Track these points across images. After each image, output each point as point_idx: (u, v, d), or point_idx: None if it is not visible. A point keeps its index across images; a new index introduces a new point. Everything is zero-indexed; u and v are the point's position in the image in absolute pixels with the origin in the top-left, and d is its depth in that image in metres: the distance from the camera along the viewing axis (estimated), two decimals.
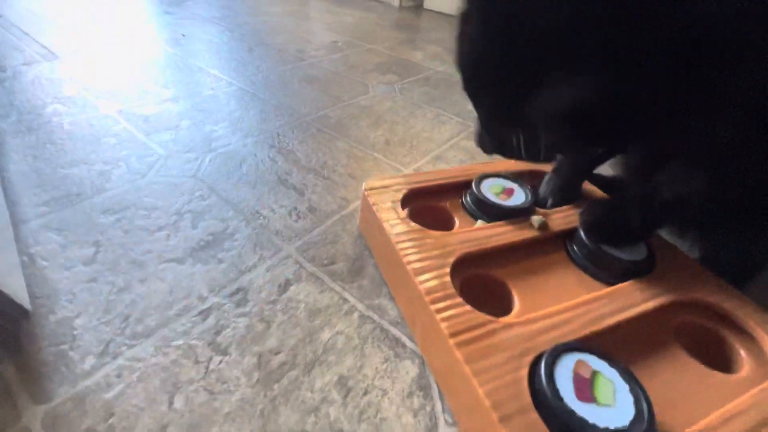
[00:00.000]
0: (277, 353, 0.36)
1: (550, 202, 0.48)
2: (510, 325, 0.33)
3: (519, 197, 0.46)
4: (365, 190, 0.46)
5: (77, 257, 0.43)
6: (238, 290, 0.42)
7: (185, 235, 0.47)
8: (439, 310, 0.34)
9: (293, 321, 0.39)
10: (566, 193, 0.48)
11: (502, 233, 0.42)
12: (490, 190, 0.47)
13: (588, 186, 0.51)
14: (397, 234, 0.41)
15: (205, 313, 0.39)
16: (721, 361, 0.36)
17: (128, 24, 1.11)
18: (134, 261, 0.43)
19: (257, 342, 0.37)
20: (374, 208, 0.44)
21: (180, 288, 0.41)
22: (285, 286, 0.42)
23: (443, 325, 0.33)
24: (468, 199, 0.48)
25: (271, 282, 0.43)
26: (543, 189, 0.49)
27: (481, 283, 0.40)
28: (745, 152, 0.33)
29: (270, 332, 0.38)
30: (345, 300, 0.42)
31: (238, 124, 0.70)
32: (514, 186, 0.48)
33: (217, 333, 0.37)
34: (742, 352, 0.35)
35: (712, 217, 0.42)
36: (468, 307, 0.34)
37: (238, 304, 0.40)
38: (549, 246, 0.43)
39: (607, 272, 0.40)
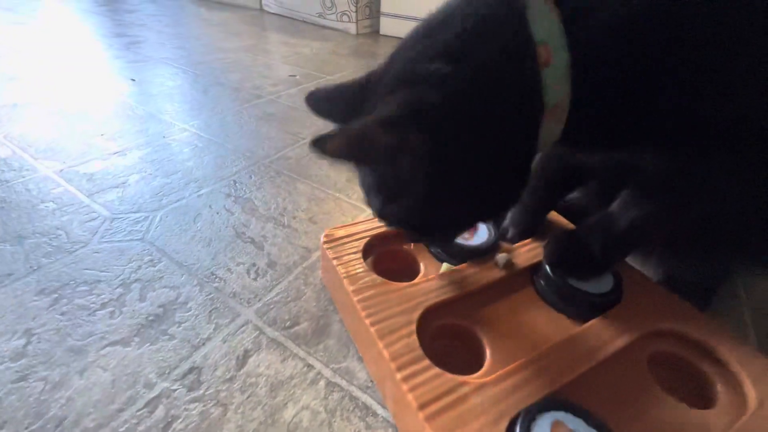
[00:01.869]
0: None
1: (511, 232, 0.47)
2: (482, 386, 0.31)
3: (482, 234, 0.45)
4: (323, 243, 0.44)
5: (4, 352, 0.38)
6: (190, 370, 0.38)
7: (132, 310, 0.43)
8: (406, 378, 0.31)
9: (253, 400, 0.36)
10: (529, 224, 0.47)
11: (467, 277, 0.41)
12: None
13: (555, 216, 0.50)
14: (359, 290, 0.39)
15: (153, 404, 0.35)
16: (696, 391, 0.35)
17: (73, 71, 1.06)
18: (72, 348, 0.39)
19: None
20: (333, 262, 0.42)
21: (124, 375, 0.37)
22: (243, 358, 0.39)
23: (411, 396, 0.30)
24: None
25: (227, 355, 0.39)
26: (506, 221, 0.48)
27: (451, 333, 0.38)
28: (684, 179, 0.34)
29: (227, 417, 0.34)
30: (310, 367, 0.39)
31: (191, 174, 0.67)
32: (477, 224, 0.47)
33: (167, 426, 0.34)
34: (717, 382, 0.34)
35: (669, 239, 0.42)
36: (436, 370, 0.32)
37: (191, 388, 0.36)
38: (516, 284, 0.42)
39: (576, 307, 0.39)
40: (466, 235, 0.45)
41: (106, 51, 1.25)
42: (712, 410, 0.32)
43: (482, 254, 0.43)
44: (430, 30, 0.31)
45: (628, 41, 0.27)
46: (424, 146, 0.28)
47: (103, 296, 0.45)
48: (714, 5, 0.26)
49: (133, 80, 1.03)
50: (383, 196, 0.33)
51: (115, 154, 0.71)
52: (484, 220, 0.39)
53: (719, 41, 0.27)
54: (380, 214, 0.34)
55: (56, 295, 0.44)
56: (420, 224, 0.34)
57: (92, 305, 0.44)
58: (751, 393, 0.32)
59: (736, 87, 0.28)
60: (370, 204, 0.35)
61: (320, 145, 0.26)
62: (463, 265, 0.42)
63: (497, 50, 0.28)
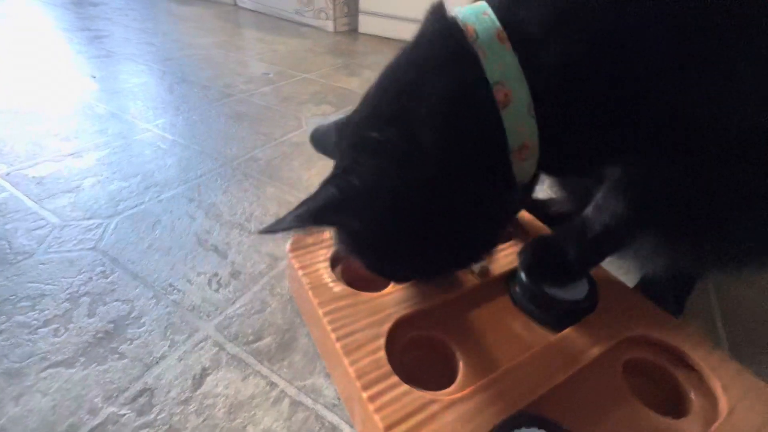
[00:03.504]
0: None
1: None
2: (452, 403, 0.30)
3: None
4: (289, 251, 0.42)
5: None
6: (141, 392, 0.35)
7: (79, 327, 0.40)
8: (372, 397, 0.29)
9: (209, 424, 0.33)
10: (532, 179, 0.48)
11: (441, 286, 0.39)
12: None
13: (532, 221, 0.49)
14: (325, 301, 0.37)
15: None
16: (670, 398, 0.34)
17: (29, 66, 1.00)
18: (8, 371, 0.36)
19: None
20: (299, 272, 0.39)
21: (66, 400, 0.34)
22: (201, 377, 0.36)
23: (377, 417, 0.28)
24: None
25: (183, 375, 0.36)
26: None
27: (424, 345, 0.37)
28: (652, 186, 0.33)
29: None
30: (273, 385, 0.36)
31: (152, 177, 0.63)
32: None
33: None
34: (690, 390, 0.34)
35: (643, 242, 0.42)
36: (405, 388, 0.30)
37: (141, 412, 0.33)
38: (492, 291, 0.40)
39: (551, 315, 0.38)
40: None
41: (67, 46, 1.18)
42: (685, 419, 0.32)
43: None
44: (387, 80, 0.30)
45: (592, 69, 0.26)
46: (361, 226, 0.29)
47: (46, 312, 0.41)
48: (672, 25, 0.25)
49: (94, 77, 0.98)
50: (348, 248, 0.33)
51: (69, 155, 0.66)
52: (466, 265, 0.39)
53: (682, 54, 0.26)
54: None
55: None
56: (390, 273, 0.35)
57: (34, 322, 0.40)
58: (722, 400, 0.32)
59: (701, 98, 0.27)
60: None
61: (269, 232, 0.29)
62: None
63: (446, 100, 0.27)
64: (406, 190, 0.28)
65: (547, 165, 0.30)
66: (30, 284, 0.44)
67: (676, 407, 0.34)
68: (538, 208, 0.51)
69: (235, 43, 1.33)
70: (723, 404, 0.32)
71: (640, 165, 0.32)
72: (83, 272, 0.46)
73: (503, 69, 0.26)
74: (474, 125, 0.27)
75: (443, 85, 0.27)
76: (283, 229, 0.28)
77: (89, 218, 0.53)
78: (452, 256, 0.33)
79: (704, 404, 0.33)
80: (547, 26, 0.26)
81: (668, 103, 0.28)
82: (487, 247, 0.35)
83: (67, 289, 0.44)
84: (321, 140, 0.38)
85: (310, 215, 0.28)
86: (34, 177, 0.60)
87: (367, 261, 0.34)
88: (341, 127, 0.34)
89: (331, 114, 0.87)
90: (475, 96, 0.26)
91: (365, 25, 1.53)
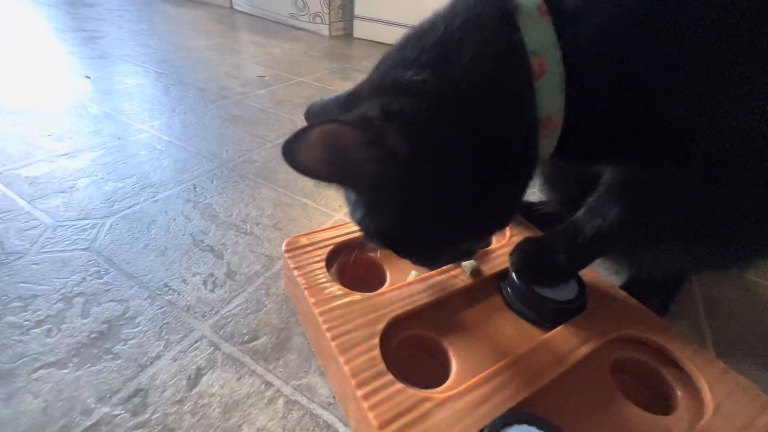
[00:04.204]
0: None
1: None
2: (445, 401, 0.30)
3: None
4: (285, 251, 0.42)
5: None
6: (135, 393, 0.35)
7: (72, 327, 0.40)
8: (367, 395, 0.30)
9: (204, 423, 0.33)
10: None
11: (434, 286, 0.40)
12: None
13: (524, 223, 0.50)
14: (320, 301, 0.37)
15: None
16: (657, 396, 0.35)
17: (22, 66, 0.99)
18: None
19: None
20: (295, 272, 0.40)
21: (58, 402, 0.34)
22: (195, 377, 0.36)
23: (371, 414, 0.29)
24: None
25: (178, 375, 0.36)
26: None
27: (417, 344, 0.37)
28: (652, 188, 0.34)
29: None
30: (268, 384, 0.36)
31: (148, 178, 0.63)
32: None
33: None
34: (677, 388, 0.35)
35: (633, 245, 0.43)
36: (399, 386, 0.31)
37: (135, 412, 0.33)
38: (484, 292, 0.41)
39: (541, 315, 0.38)
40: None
41: (61, 46, 1.17)
42: (672, 416, 0.33)
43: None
44: (415, 38, 0.29)
45: (624, 50, 0.26)
46: (401, 150, 0.26)
47: (39, 313, 0.41)
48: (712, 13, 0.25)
49: (89, 78, 0.97)
50: (364, 209, 0.31)
51: (63, 156, 0.66)
52: (468, 242, 0.36)
53: (719, 48, 0.26)
54: (361, 225, 0.33)
55: None
56: (399, 241, 0.32)
57: (26, 323, 0.40)
58: (708, 398, 0.33)
59: (727, 97, 0.27)
60: (352, 216, 0.33)
61: (291, 150, 0.25)
62: (432, 273, 0.41)
63: (485, 58, 0.26)
64: (440, 130, 0.26)
65: (563, 148, 0.30)
66: (22, 285, 0.43)
67: (663, 405, 0.34)
68: (529, 210, 0.52)
69: (231, 45, 1.34)
70: (709, 401, 0.33)
71: (643, 166, 0.32)
72: (77, 272, 0.46)
73: (541, 40, 0.26)
74: (511, 86, 0.27)
75: (487, 43, 0.26)
76: (317, 124, 0.24)
77: (83, 218, 0.53)
78: (465, 223, 0.31)
79: (690, 402, 0.34)
80: (583, 4, 0.26)
81: (689, 102, 0.27)
82: (507, 215, 0.33)
83: (61, 289, 0.43)
84: (318, 114, 0.34)
85: (353, 121, 0.25)
86: (26, 177, 0.60)
87: (389, 214, 0.30)
88: (345, 98, 0.32)
89: None
90: (514, 60, 0.26)
91: (360, 30, 1.54)
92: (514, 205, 0.32)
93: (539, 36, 0.26)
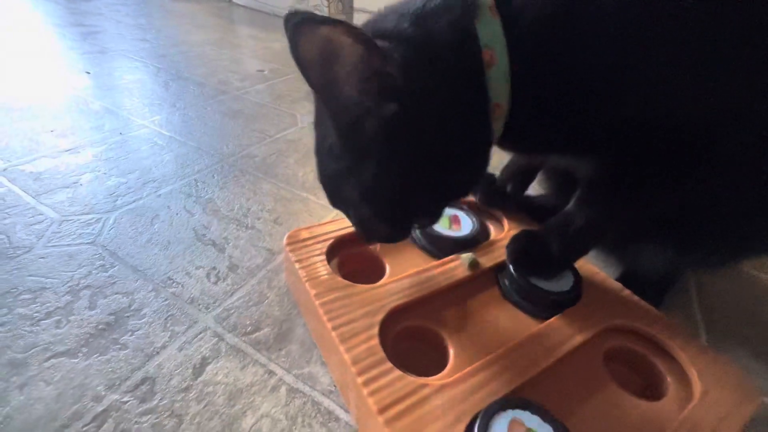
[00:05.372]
0: None
1: (509, 187, 0.51)
2: (442, 387, 0.31)
3: (467, 225, 0.47)
4: (286, 245, 0.43)
5: None
6: (143, 381, 0.36)
7: (80, 318, 0.41)
8: (367, 382, 0.31)
9: (210, 410, 0.34)
10: (526, 178, 0.52)
11: (432, 278, 0.41)
12: (440, 224, 0.45)
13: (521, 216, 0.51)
14: (321, 293, 0.38)
15: (101, 418, 0.33)
16: (648, 382, 0.37)
17: (21, 62, 0.99)
18: (12, 362, 0.37)
19: None
20: (296, 265, 0.41)
21: (70, 389, 0.35)
22: (200, 366, 0.38)
23: (371, 400, 0.30)
24: (419, 235, 0.46)
25: (183, 364, 0.38)
26: (500, 176, 0.52)
27: (416, 335, 0.38)
28: (622, 181, 0.35)
29: (182, 429, 0.33)
30: (271, 373, 0.38)
31: (150, 173, 0.64)
32: (457, 213, 0.48)
33: None
34: (667, 376, 0.36)
35: (625, 235, 0.44)
36: (398, 373, 0.32)
37: (143, 399, 0.35)
38: (481, 284, 0.42)
39: (537, 306, 0.40)
40: (455, 225, 0.46)
41: (60, 41, 1.17)
42: (662, 401, 0.34)
43: (472, 244, 0.44)
44: (392, 10, 0.32)
45: (555, 42, 0.29)
46: (396, 82, 0.28)
47: (48, 305, 0.42)
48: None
49: (89, 73, 0.97)
50: (342, 168, 0.33)
51: (66, 151, 0.67)
52: (439, 204, 0.37)
53: (656, 40, 0.28)
54: (334, 197, 0.36)
55: None
56: (375, 204, 0.34)
57: (36, 314, 0.41)
58: (697, 385, 0.34)
59: (675, 87, 0.29)
60: (325, 187, 0.36)
61: (295, 35, 0.26)
62: (430, 265, 0.42)
63: (449, 40, 0.30)
64: (424, 73, 0.29)
65: (509, 134, 0.33)
66: (30, 278, 0.45)
67: (654, 393, 0.35)
68: (527, 204, 0.53)
69: (230, 40, 1.34)
70: (697, 388, 0.34)
71: (601, 159, 0.34)
72: (83, 266, 0.47)
73: (491, 36, 0.30)
74: (468, 68, 0.30)
75: (452, 25, 0.30)
76: (330, 22, 0.25)
77: (88, 213, 0.54)
78: (438, 182, 0.34)
79: (680, 388, 0.35)
80: (522, 3, 0.30)
81: (636, 93, 0.30)
82: (472, 180, 0.36)
83: (68, 282, 0.45)
84: None
85: (357, 32, 0.26)
86: (31, 173, 0.61)
87: (369, 170, 0.32)
88: None
89: None
90: (469, 51, 0.30)
91: (359, 22, 1.54)
92: (478, 170, 0.35)
93: (489, 32, 0.30)
